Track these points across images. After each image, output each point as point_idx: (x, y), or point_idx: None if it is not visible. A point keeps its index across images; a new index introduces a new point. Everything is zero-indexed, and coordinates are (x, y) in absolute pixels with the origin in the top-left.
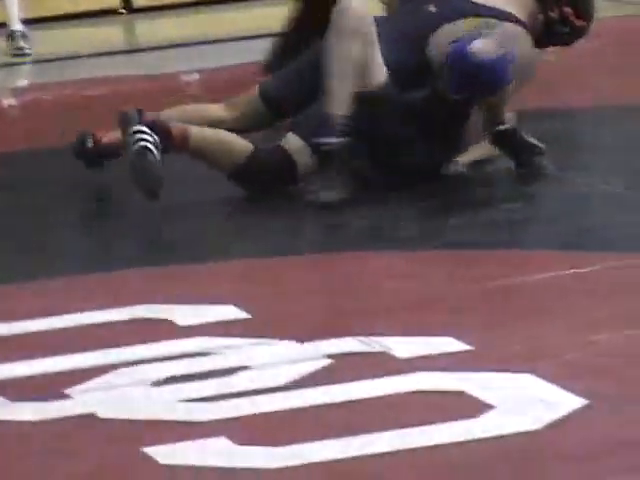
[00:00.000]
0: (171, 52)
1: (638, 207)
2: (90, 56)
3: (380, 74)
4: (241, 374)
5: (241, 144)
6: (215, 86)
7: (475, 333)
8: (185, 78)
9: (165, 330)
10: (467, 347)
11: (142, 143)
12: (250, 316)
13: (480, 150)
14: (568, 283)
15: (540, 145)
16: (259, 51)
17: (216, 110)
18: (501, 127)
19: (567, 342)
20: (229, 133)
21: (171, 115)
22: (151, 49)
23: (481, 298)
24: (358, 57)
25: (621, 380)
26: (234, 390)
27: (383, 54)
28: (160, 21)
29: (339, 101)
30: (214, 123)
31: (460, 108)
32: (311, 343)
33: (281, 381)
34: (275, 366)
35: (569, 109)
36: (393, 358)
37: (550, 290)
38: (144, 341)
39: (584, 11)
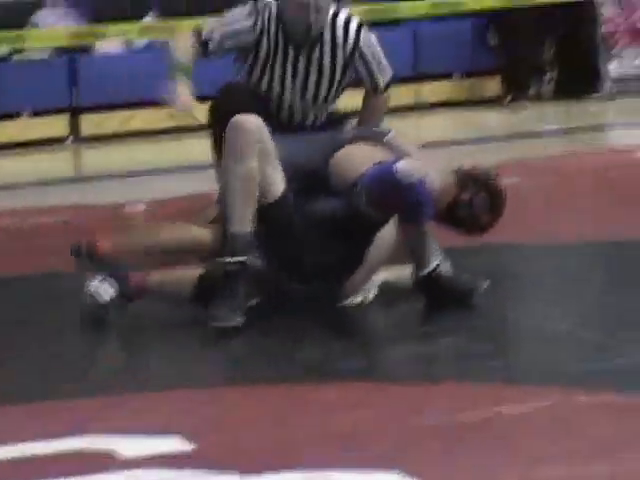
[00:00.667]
0: (117, 181)
1: (579, 343)
2: (36, 184)
3: (278, 186)
4: None
5: (189, 274)
6: (161, 217)
7: (427, 467)
8: (130, 208)
9: (107, 462)
10: None
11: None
12: (195, 447)
13: (397, 272)
14: (515, 418)
15: (473, 286)
16: (206, 181)
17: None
18: (425, 271)
19: (510, 477)
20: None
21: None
22: (97, 178)
23: (430, 431)
24: (254, 173)
25: None
26: None
27: (285, 157)
28: (107, 150)
29: (241, 219)
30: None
31: (372, 221)
32: (255, 476)
33: None
34: None
35: (512, 244)
36: None
37: (500, 424)
38: (86, 473)
39: (495, 207)
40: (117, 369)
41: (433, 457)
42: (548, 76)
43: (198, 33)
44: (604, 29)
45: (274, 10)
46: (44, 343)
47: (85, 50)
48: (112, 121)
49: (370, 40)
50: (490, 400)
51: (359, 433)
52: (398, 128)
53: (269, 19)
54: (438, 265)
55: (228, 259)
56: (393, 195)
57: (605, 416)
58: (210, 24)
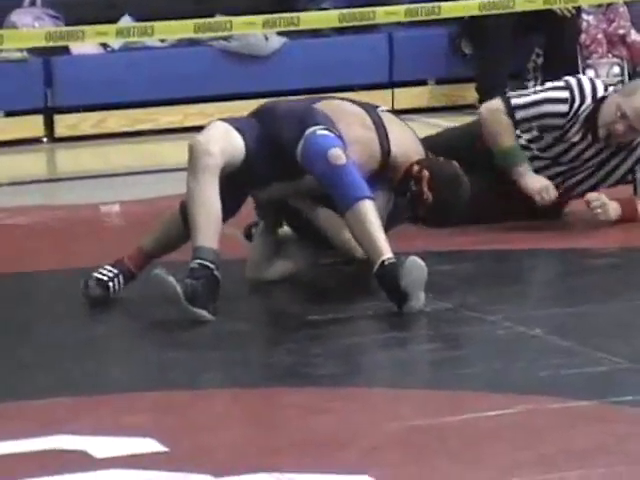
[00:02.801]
0: (92, 182)
1: (556, 350)
2: (10, 185)
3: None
4: None
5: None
6: (135, 218)
7: (392, 473)
8: (105, 209)
9: (80, 462)
10: None
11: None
12: (167, 449)
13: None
14: (486, 425)
15: (408, 296)
16: (180, 183)
17: None
18: (376, 266)
19: None
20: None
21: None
22: (72, 179)
23: (400, 438)
24: (213, 193)
25: None
26: None
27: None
28: (82, 151)
29: (205, 234)
30: None
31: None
32: (227, 478)
33: None
34: None
35: (494, 250)
36: None
37: (468, 431)
38: (58, 473)
39: (437, 188)
40: (92, 370)
41: (403, 463)
42: (532, 84)
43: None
44: (582, 38)
45: None
46: (17, 342)
47: (61, 51)
48: (87, 122)
49: None
50: (460, 407)
51: (331, 437)
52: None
53: None
54: (389, 259)
55: (197, 262)
56: (324, 179)
57: (576, 423)
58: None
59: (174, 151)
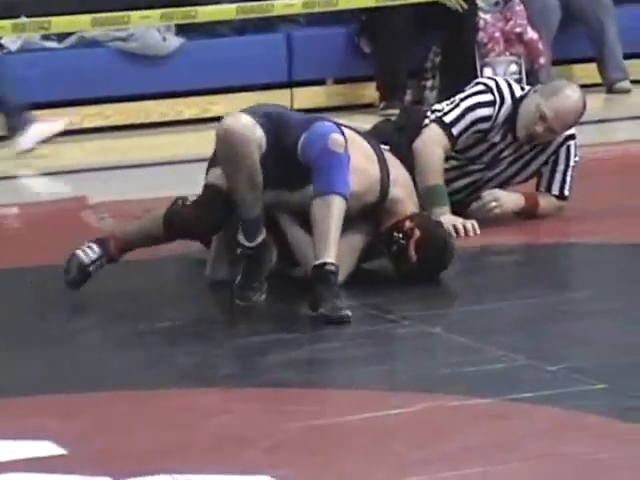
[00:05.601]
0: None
1: (456, 348)
2: None
3: None
4: None
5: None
6: (33, 220)
7: (292, 472)
8: (3, 211)
9: None
10: None
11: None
12: (66, 452)
13: None
14: (386, 423)
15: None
16: (79, 185)
17: None
18: (318, 262)
19: None
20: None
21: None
22: None
23: (300, 437)
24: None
25: None
26: None
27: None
28: None
29: (248, 208)
30: None
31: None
32: None
33: None
34: None
35: None
36: None
37: (367, 430)
38: None
39: (424, 251)
40: None
41: (303, 462)
42: (430, 83)
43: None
44: (479, 37)
45: None
46: None
47: None
48: None
49: None
50: (361, 406)
51: (232, 438)
52: None
53: None
54: (335, 265)
55: (245, 243)
56: (317, 158)
57: (476, 421)
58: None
59: (72, 152)
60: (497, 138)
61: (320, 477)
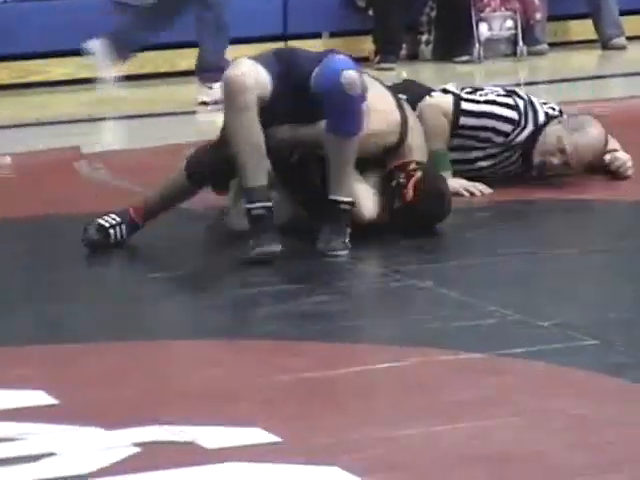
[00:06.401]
0: None
1: (447, 303)
2: None
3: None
4: (47, 460)
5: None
6: (27, 170)
7: (283, 425)
8: None
9: None
10: (275, 439)
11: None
12: (58, 402)
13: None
14: (377, 377)
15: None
16: (72, 135)
17: None
18: (334, 197)
19: (373, 437)
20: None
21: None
22: None
23: (291, 390)
24: (256, 129)
25: (419, 476)
26: (40, 477)
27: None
28: None
29: (253, 173)
30: None
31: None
32: (118, 431)
33: (87, 469)
34: (82, 454)
35: None
36: (200, 448)
37: (358, 383)
38: None
39: (420, 196)
40: None
41: (293, 415)
42: (425, 37)
43: None
44: None
45: None
46: None
47: None
48: None
49: None
50: (351, 359)
51: (222, 390)
52: None
53: None
54: (349, 204)
55: (250, 205)
56: (329, 96)
57: (466, 376)
58: None
59: (67, 103)
60: (508, 159)
61: (310, 430)
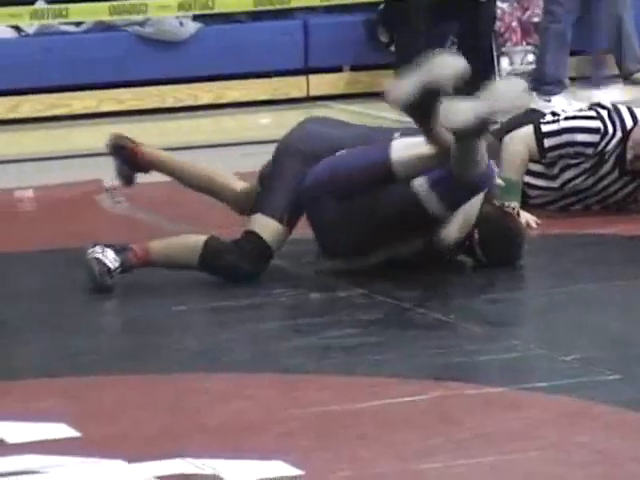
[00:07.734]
0: (5, 167)
1: (470, 337)
2: None
3: None
4: None
5: (194, 239)
6: (49, 203)
7: (305, 458)
8: (18, 194)
9: None
10: (297, 472)
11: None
12: (79, 434)
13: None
14: (400, 410)
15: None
16: (94, 168)
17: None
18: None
19: (395, 470)
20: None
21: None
22: None
23: (313, 423)
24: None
25: None
26: None
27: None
28: None
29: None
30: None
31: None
32: (141, 463)
33: None
34: None
35: None
36: None
37: (381, 417)
38: None
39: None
40: (2, 354)
41: (316, 448)
42: None
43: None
44: (496, 26)
45: None
46: None
47: None
48: (1, 107)
49: None
50: (375, 393)
51: (245, 423)
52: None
53: None
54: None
55: None
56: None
57: (490, 410)
58: None
59: (89, 136)
60: (605, 172)
61: (333, 464)
